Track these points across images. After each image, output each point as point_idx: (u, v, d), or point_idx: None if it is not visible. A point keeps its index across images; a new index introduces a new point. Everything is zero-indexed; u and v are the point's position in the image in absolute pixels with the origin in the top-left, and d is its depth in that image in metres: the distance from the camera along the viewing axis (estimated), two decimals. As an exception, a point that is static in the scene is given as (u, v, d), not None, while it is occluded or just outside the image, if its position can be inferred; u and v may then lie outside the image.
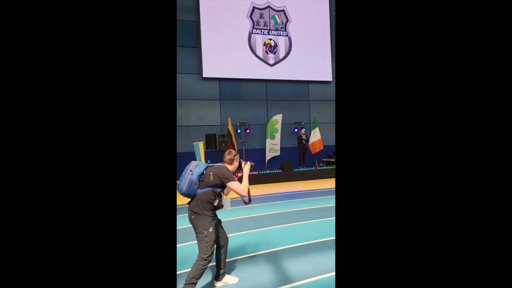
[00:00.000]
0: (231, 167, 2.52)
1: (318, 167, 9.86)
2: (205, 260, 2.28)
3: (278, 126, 10.23)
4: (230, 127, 9.50)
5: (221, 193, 2.47)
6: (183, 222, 3.20)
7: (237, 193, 2.44)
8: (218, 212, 2.51)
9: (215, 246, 2.41)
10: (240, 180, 2.49)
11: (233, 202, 3.06)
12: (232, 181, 2.39)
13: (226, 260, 2.65)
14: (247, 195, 2.51)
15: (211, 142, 8.59)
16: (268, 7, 10.77)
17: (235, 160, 2.54)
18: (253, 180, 8.66)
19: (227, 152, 2.58)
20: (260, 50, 10.59)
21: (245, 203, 2.64)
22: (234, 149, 9.41)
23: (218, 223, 2.51)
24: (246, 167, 2.55)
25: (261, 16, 10.68)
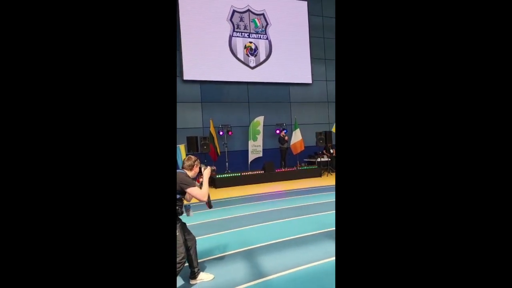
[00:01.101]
0: (191, 173, 2.58)
1: (300, 167, 10.06)
2: (177, 263, 2.36)
3: (260, 128, 10.38)
4: (212, 130, 9.56)
5: (182, 199, 2.53)
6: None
7: (196, 198, 2.50)
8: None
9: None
10: (202, 185, 2.56)
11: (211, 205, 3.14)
12: (191, 186, 2.44)
13: (202, 259, 2.73)
14: (207, 200, 2.57)
15: (192, 145, 8.63)
16: (248, 10, 10.92)
17: (195, 165, 2.60)
18: (236, 182, 8.76)
19: (186, 158, 2.65)
20: (241, 53, 10.72)
21: (209, 207, 2.72)
22: (217, 152, 9.56)
23: (183, 226, 2.59)
24: (206, 172, 2.58)
25: (241, 20, 10.81)
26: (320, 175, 9.77)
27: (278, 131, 10.66)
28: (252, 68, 10.82)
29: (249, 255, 3.24)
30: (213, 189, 8.14)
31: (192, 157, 2.67)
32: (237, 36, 10.72)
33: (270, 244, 3.56)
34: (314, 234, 3.81)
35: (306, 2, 11.62)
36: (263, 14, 11.09)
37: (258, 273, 2.78)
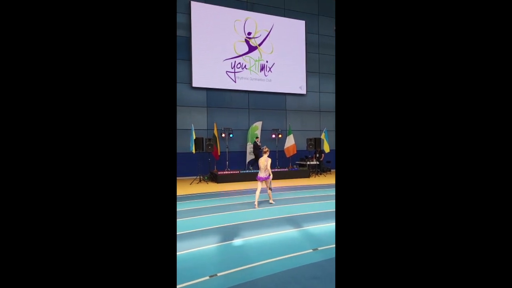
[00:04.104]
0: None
1: (291, 168, 11.33)
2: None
3: (258, 132, 11.66)
4: (215, 132, 10.80)
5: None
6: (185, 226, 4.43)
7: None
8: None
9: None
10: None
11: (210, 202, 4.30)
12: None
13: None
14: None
15: (199, 144, 9.87)
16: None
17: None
18: (235, 178, 9.99)
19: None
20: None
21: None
22: (218, 152, 10.79)
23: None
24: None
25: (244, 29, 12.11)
26: (308, 176, 11.07)
27: (274, 136, 11.97)
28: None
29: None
30: (215, 184, 9.34)
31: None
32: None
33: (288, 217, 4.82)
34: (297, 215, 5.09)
35: (304, 22, 12.98)
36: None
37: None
